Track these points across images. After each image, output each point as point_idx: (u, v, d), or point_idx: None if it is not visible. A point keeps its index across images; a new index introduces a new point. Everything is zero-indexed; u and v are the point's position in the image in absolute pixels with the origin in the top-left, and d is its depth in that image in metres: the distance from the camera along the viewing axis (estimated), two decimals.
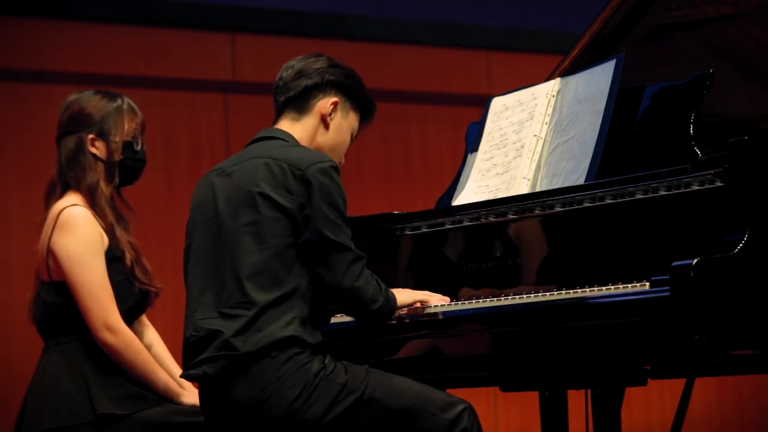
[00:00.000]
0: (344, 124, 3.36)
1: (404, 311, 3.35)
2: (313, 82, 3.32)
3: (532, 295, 3.16)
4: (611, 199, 3.23)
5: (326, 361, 3.07)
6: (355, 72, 3.41)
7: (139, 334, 3.77)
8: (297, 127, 3.32)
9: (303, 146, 3.27)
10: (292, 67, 3.36)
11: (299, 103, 3.33)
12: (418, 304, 3.35)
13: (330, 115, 3.33)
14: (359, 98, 3.39)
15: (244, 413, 3.02)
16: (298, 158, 3.15)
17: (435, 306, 3.36)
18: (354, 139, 3.44)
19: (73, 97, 3.78)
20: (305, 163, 3.14)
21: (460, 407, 3.10)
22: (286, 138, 3.29)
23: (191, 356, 3.12)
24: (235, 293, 3.08)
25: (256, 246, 3.09)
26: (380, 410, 3.06)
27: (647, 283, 2.95)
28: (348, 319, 3.48)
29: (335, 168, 3.17)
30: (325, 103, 3.33)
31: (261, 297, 3.06)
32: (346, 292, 3.13)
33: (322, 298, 3.19)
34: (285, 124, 3.34)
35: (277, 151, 3.18)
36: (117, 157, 3.74)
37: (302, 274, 3.11)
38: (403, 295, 3.31)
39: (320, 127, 3.33)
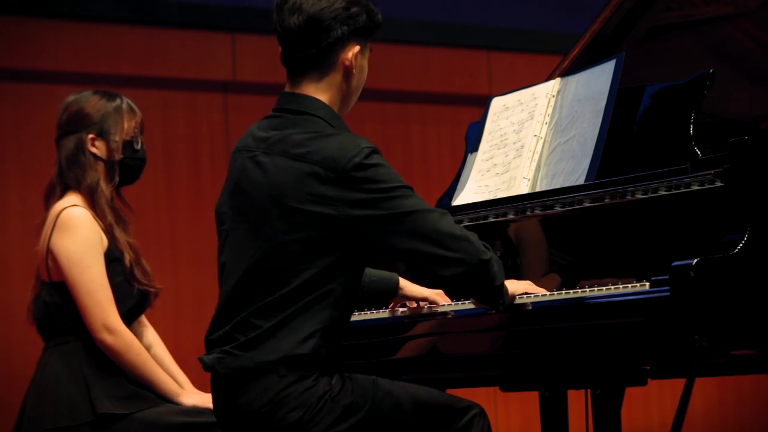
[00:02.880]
0: (364, 62, 3.12)
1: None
2: (334, 39, 3.03)
3: (532, 296, 3.16)
4: (611, 199, 3.23)
5: (333, 382, 2.95)
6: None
7: (138, 335, 3.77)
8: (322, 88, 3.06)
9: (332, 133, 3.00)
10: (300, 9, 3.04)
11: (320, 62, 3.06)
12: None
13: (354, 65, 3.08)
14: (374, 29, 3.11)
15: (248, 420, 2.98)
16: (331, 157, 2.92)
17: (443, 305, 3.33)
18: None
19: (71, 97, 3.78)
20: (339, 164, 2.92)
21: (470, 414, 3.01)
22: (314, 110, 3.05)
23: (210, 346, 3.05)
24: (261, 308, 2.95)
25: (295, 266, 2.93)
26: (386, 427, 2.97)
27: (647, 283, 2.95)
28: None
29: (371, 152, 2.95)
30: (347, 54, 3.06)
31: (288, 311, 2.93)
32: (451, 239, 2.93)
33: (436, 271, 3.02)
34: (309, 87, 3.06)
35: (307, 146, 2.97)
36: (117, 156, 3.74)
37: (341, 280, 2.96)
38: (513, 285, 3.14)
39: (345, 78, 3.08)
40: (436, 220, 2.96)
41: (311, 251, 2.94)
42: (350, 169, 2.93)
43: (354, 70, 3.08)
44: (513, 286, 3.13)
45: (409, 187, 2.98)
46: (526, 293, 3.17)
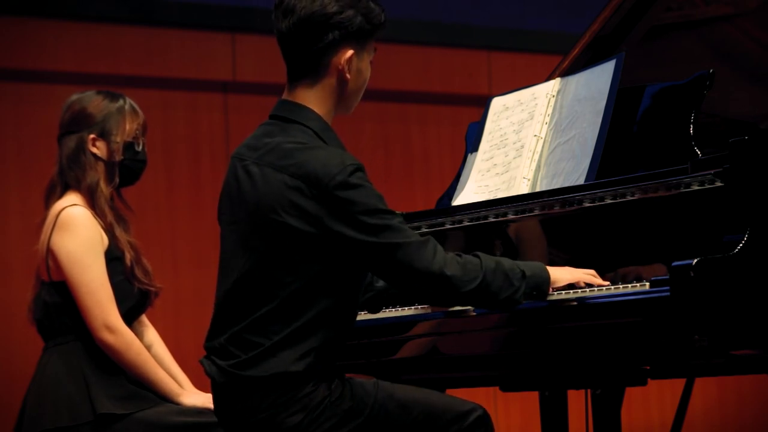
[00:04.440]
0: (362, 65, 3.04)
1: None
2: (324, 44, 2.98)
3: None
4: (611, 199, 3.23)
5: (333, 387, 2.94)
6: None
7: (139, 334, 3.77)
8: (315, 94, 3.01)
9: (319, 146, 2.97)
10: (292, 12, 2.98)
11: (311, 67, 3.00)
12: (582, 284, 3.10)
13: (348, 69, 3.01)
14: (372, 31, 3.03)
15: (249, 424, 2.98)
16: (314, 174, 2.89)
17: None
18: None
19: (74, 96, 3.78)
20: (322, 181, 2.88)
21: (472, 417, 2.98)
22: (305, 120, 2.99)
23: (207, 352, 3.05)
24: (254, 321, 2.94)
25: (280, 278, 2.92)
26: (388, 430, 2.96)
27: (647, 283, 2.95)
28: None
29: (355, 170, 2.90)
30: (339, 59, 3.00)
31: (281, 329, 2.92)
32: (427, 277, 2.91)
33: (410, 299, 3.08)
34: (302, 93, 3.02)
35: (292, 158, 2.94)
36: (118, 157, 3.75)
37: (331, 295, 2.94)
38: (561, 272, 3.08)
39: (339, 83, 3.02)
40: (413, 256, 2.92)
41: (294, 263, 2.92)
42: (333, 188, 2.89)
43: (348, 75, 3.02)
44: (557, 274, 3.08)
45: (391, 212, 2.94)
46: (579, 284, 3.10)
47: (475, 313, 3.22)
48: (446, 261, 2.95)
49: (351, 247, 2.92)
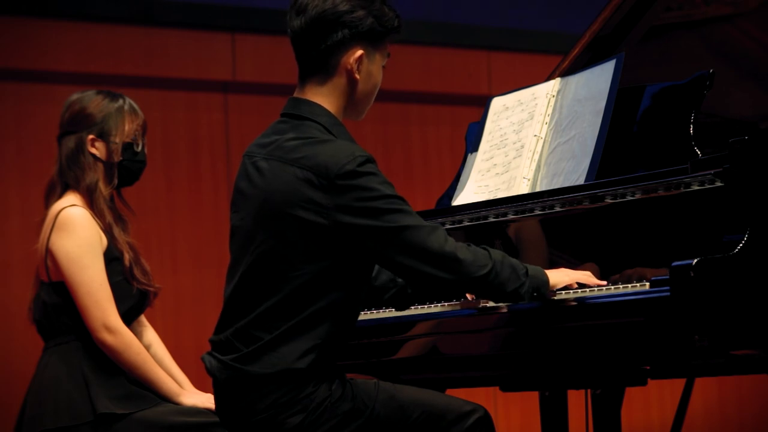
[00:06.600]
0: (373, 68, 3.06)
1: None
2: (334, 42, 3.00)
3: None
4: (611, 199, 3.23)
5: (333, 387, 2.94)
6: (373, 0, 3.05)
7: (138, 335, 3.77)
8: (325, 92, 3.03)
9: (328, 140, 2.97)
10: (304, 11, 3.01)
11: (321, 65, 3.02)
12: (575, 285, 3.10)
13: (357, 70, 3.03)
14: (384, 34, 3.07)
15: (250, 423, 2.98)
16: (324, 165, 2.90)
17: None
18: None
19: (74, 96, 3.78)
20: (331, 171, 2.89)
21: (473, 418, 2.99)
22: (315, 116, 3.01)
23: (212, 346, 3.04)
24: (259, 316, 2.94)
25: (285, 272, 2.92)
26: (388, 431, 2.96)
27: (647, 283, 2.95)
28: None
29: (364, 161, 2.91)
30: (348, 59, 3.02)
31: (284, 324, 2.92)
32: (440, 259, 2.90)
33: (422, 292, 3.10)
34: (312, 92, 3.04)
35: (301, 152, 2.95)
36: (116, 158, 3.74)
37: (336, 291, 2.94)
38: (559, 275, 3.09)
39: (349, 83, 3.04)
40: (426, 238, 2.92)
41: (302, 257, 2.92)
42: (341, 177, 2.90)
43: (357, 75, 3.03)
44: (556, 277, 3.09)
45: (401, 199, 2.94)
46: (573, 286, 3.11)
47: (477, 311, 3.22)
48: (457, 246, 2.96)
49: (362, 235, 2.91)
